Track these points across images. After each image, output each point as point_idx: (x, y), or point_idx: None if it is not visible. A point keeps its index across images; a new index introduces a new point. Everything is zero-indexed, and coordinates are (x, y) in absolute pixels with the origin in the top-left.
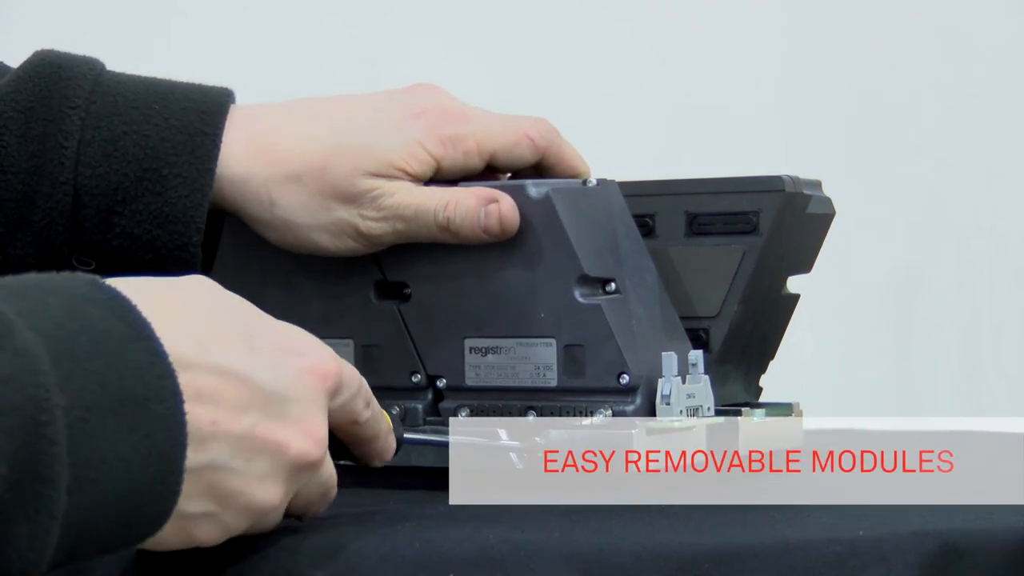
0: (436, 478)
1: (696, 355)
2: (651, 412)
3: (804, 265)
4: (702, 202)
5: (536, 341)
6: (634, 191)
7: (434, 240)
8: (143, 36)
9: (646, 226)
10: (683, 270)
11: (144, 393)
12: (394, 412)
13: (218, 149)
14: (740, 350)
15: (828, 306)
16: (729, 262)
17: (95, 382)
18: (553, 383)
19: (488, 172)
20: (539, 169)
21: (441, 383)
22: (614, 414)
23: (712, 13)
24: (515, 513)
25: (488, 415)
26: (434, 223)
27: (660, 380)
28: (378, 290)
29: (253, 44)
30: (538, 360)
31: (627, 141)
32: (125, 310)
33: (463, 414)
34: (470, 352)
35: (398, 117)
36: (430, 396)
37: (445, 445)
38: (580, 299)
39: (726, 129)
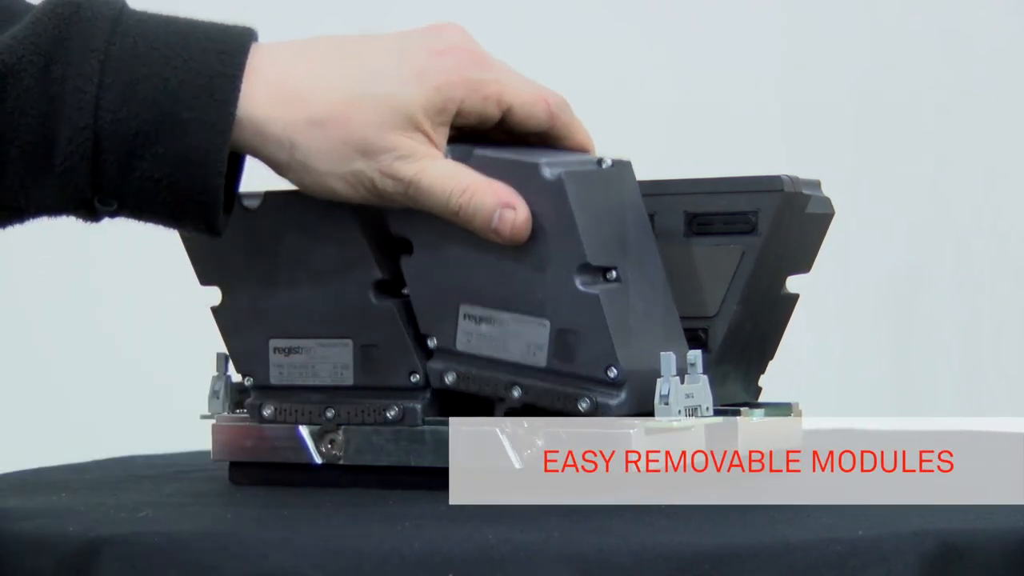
0: (436, 478)
1: (695, 355)
2: (637, 409)
3: (803, 265)
4: (701, 202)
5: (531, 319)
6: None
7: (442, 217)
8: None
9: None
10: (682, 270)
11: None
12: (390, 415)
13: (238, 91)
14: (739, 350)
15: (828, 306)
16: (728, 262)
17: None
18: (542, 363)
19: (497, 129)
20: (545, 139)
21: (432, 342)
22: (597, 406)
23: (712, 13)
24: (515, 513)
25: (474, 383)
26: (446, 206)
27: (659, 380)
28: (377, 290)
29: None
30: (530, 338)
31: (627, 141)
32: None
33: (449, 378)
34: (464, 318)
35: (421, 59)
36: (429, 396)
37: None
38: (579, 286)
39: (726, 129)
